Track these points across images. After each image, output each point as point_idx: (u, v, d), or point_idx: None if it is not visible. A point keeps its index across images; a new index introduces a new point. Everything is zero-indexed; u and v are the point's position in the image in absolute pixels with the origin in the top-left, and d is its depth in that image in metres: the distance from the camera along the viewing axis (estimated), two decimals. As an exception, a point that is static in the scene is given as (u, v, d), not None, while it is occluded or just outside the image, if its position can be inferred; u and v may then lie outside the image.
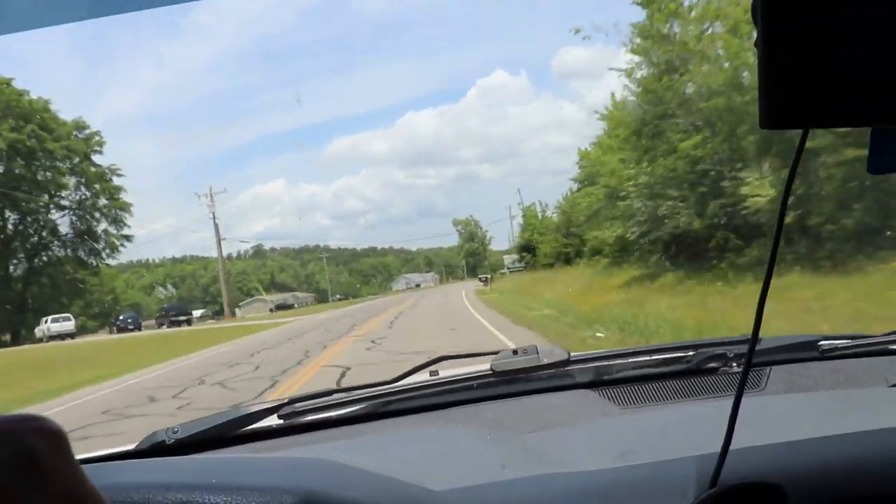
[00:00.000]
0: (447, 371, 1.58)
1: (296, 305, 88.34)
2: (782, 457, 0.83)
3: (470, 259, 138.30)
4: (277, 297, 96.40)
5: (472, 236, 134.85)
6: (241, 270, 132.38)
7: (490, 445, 1.16)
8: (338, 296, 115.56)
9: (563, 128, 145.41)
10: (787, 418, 1.15)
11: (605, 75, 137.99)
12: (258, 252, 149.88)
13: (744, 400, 1.17)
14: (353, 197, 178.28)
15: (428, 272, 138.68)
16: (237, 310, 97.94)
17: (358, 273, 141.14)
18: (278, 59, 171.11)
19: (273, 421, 1.40)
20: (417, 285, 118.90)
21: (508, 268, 53.81)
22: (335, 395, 1.45)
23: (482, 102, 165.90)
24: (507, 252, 64.21)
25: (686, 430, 1.21)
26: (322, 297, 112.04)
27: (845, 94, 0.48)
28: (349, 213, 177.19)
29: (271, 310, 77.86)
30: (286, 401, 1.43)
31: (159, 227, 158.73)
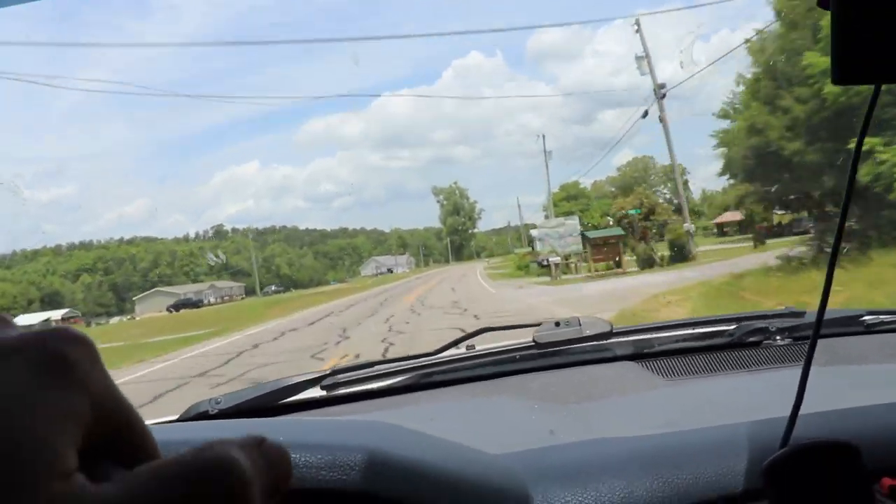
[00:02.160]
0: (489, 343, 1.57)
1: (212, 300, 60.12)
2: (850, 421, 0.82)
3: (454, 237, 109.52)
4: (189, 290, 66.56)
5: (456, 208, 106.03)
6: (188, 252, 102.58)
7: (537, 414, 1.18)
8: (272, 287, 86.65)
9: (537, 109, 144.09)
10: (836, 389, 1.15)
11: (581, 55, 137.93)
12: (219, 233, 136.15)
13: (788, 372, 1.28)
14: (328, 179, 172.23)
15: (402, 254, 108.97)
16: (136, 305, 68.08)
17: (324, 256, 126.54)
18: (251, 39, 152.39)
19: (316, 392, 1.39)
20: (390, 270, 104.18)
21: (566, 238, 22.73)
22: (377, 367, 1.45)
23: (457, 84, 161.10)
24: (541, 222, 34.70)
25: (732, 399, 1.21)
26: (272, 286, 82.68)
27: None
28: (324, 195, 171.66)
29: (170, 309, 60.12)
30: (328, 372, 1.43)
31: (131, 210, 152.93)
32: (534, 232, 45.57)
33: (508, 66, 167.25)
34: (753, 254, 22.64)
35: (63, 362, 0.24)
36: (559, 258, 27.48)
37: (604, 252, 25.46)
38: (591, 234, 28.09)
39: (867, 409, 0.85)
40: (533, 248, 42.47)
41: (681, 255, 23.69)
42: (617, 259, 25.35)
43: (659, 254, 25.13)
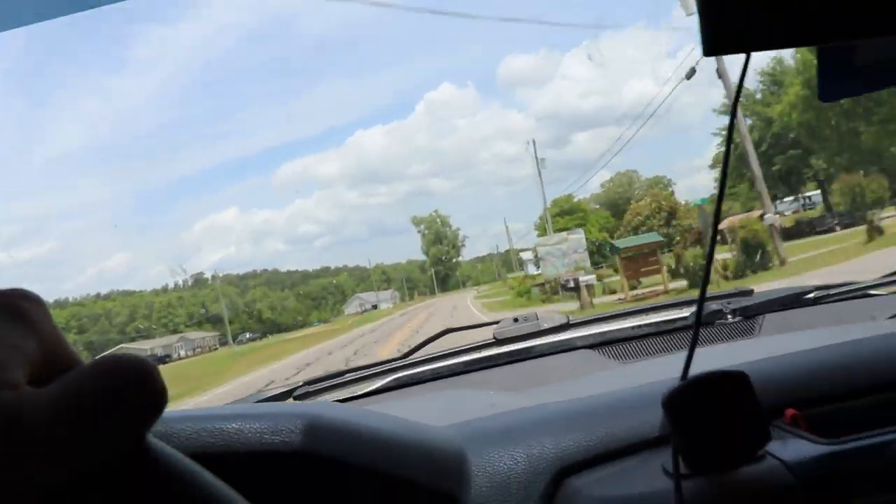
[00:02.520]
0: (453, 343, 1.67)
1: (182, 353, 53.75)
2: (761, 365, 0.87)
3: (438, 268, 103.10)
4: (157, 344, 60.46)
5: (438, 237, 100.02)
6: (166, 303, 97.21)
7: (491, 399, 1.22)
8: (246, 335, 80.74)
9: (511, 137, 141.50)
10: (775, 353, 1.19)
11: (550, 81, 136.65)
12: (198, 281, 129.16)
13: (736, 343, 1.44)
14: (307, 220, 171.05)
15: (386, 290, 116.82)
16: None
17: (307, 297, 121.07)
18: (222, 87, 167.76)
19: (289, 403, 1.44)
20: (374, 307, 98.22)
21: (571, 255, 16.11)
22: (348, 374, 1.53)
23: (431, 116, 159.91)
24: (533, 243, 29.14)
25: (678, 369, 1.29)
26: (246, 333, 76.91)
27: (786, 12, 0.45)
28: (304, 236, 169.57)
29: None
30: (301, 383, 1.51)
31: (112, 265, 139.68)
32: (525, 255, 39.81)
33: (480, 95, 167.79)
34: (870, 251, 16.33)
35: (17, 310, 0.29)
36: (591, 277, 21.32)
37: (640, 266, 19.11)
38: (622, 243, 21.95)
39: (782, 356, 0.90)
40: (525, 272, 37.03)
41: (759, 261, 17.29)
42: (640, 275, 19.07)
43: (723, 258, 18.83)
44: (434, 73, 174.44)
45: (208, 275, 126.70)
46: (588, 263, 24.63)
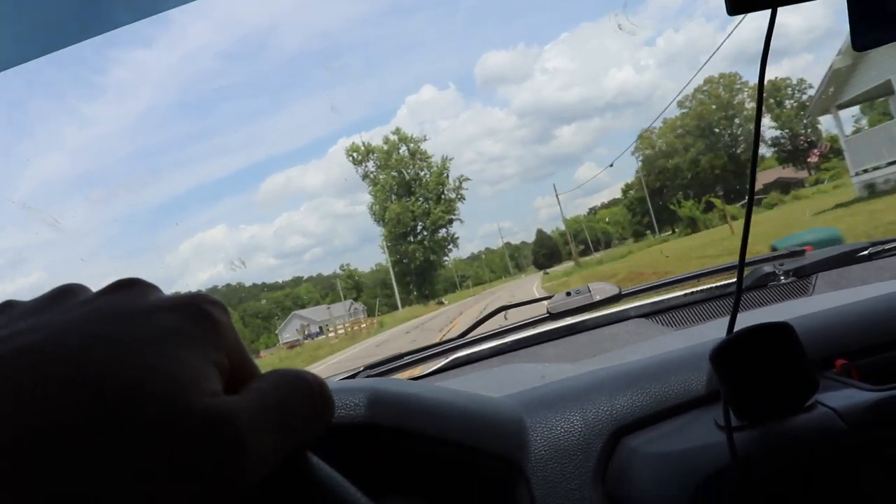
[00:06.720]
0: (508, 319, 1.68)
1: None
2: (802, 319, 0.86)
3: (411, 248, 54.12)
4: None
5: (406, 183, 51.22)
6: None
7: (546, 371, 1.22)
8: None
9: (494, 135, 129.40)
10: (825, 307, 1.16)
11: (530, 76, 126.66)
12: None
13: (789, 303, 1.41)
14: (296, 233, 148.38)
15: (353, 299, 78.36)
16: None
17: (255, 316, 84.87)
18: (202, 106, 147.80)
19: (352, 381, 1.41)
20: (320, 330, 56.92)
21: None
22: (406, 357, 1.49)
23: (413, 120, 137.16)
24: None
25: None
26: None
27: None
28: (294, 249, 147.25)
29: None
30: (361, 368, 1.48)
31: None
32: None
33: (462, 95, 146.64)
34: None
35: (209, 318, 0.30)
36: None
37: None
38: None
39: (831, 309, 0.88)
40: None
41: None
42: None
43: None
44: (414, 76, 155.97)
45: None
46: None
